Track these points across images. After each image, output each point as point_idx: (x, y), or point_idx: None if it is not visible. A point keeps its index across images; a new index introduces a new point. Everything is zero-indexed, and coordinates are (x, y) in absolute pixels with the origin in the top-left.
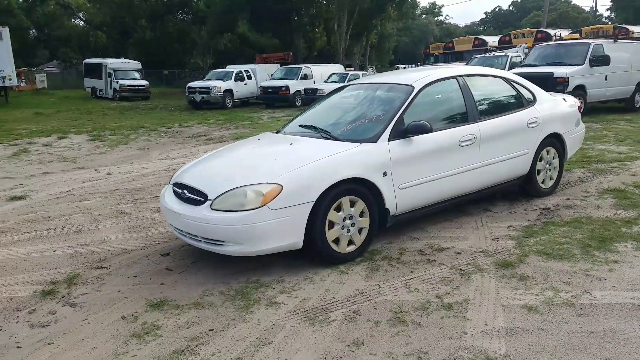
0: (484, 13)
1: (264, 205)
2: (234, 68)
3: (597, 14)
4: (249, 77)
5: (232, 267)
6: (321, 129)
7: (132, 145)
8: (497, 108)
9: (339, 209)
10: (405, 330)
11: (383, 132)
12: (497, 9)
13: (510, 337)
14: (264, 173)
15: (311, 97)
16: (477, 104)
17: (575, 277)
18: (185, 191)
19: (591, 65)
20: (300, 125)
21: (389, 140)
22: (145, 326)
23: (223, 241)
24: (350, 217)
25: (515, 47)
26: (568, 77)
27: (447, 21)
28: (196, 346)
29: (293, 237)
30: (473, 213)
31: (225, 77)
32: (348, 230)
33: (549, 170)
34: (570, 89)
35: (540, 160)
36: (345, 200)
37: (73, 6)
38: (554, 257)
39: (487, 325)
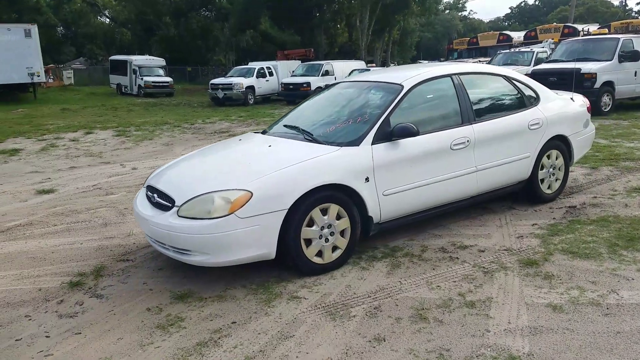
0: (509, 8)
1: (231, 213)
2: (255, 65)
3: (627, 8)
4: (271, 74)
5: (254, 262)
6: (304, 130)
7: (157, 141)
8: (495, 108)
9: (319, 215)
10: (427, 327)
11: (367, 134)
12: (522, 4)
13: (534, 336)
14: (234, 178)
15: None
16: (472, 104)
17: (601, 277)
18: (155, 195)
19: (620, 61)
20: (285, 126)
21: (373, 143)
22: (169, 318)
23: (189, 250)
24: (329, 226)
25: (541, 42)
26: (596, 73)
27: (471, 16)
28: (219, 338)
29: (264, 247)
30: (497, 211)
31: (247, 73)
32: (327, 240)
33: (553, 174)
34: (598, 85)
35: (542, 165)
36: (323, 208)
37: (99, 4)
38: (580, 255)
39: (511, 324)
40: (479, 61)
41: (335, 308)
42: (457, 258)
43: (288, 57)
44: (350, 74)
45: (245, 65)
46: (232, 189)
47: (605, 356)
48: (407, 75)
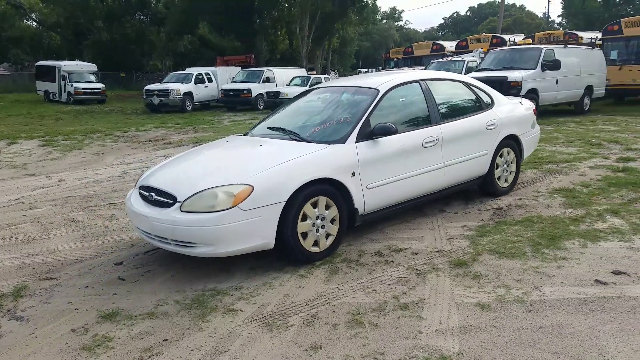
0: (443, 19)
1: (235, 206)
2: (193, 70)
3: (550, 20)
4: (210, 80)
5: (188, 275)
6: (290, 131)
7: (86, 151)
8: (458, 111)
9: (311, 208)
10: (363, 332)
11: (351, 133)
12: (455, 15)
13: (464, 335)
14: (234, 174)
15: (273, 101)
16: (438, 107)
17: (525, 275)
18: (153, 194)
19: (543, 70)
20: (269, 128)
21: (357, 141)
22: (96, 338)
23: (194, 243)
24: (322, 218)
25: (471, 52)
26: (521, 81)
27: (407, 26)
28: (149, 357)
29: (265, 237)
30: (429, 214)
31: (185, 79)
32: (318, 230)
33: (507, 170)
34: (523, 92)
35: (498, 161)
36: (315, 200)
37: (25, 6)
38: (506, 255)
39: (442, 324)
40: (414, 69)
41: (273, 318)
42: (392, 261)
43: (228, 63)
44: (291, 81)
45: (182, 70)
46: (235, 184)
47: (528, 351)
48: (381, 80)
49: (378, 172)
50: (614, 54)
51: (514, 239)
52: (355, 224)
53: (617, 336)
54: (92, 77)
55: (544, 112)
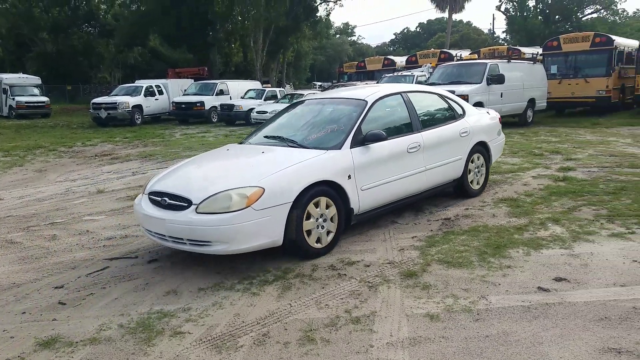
0: (394, 34)
1: (248, 206)
2: (143, 83)
3: (495, 36)
4: (160, 92)
5: (133, 298)
6: (287, 139)
7: (28, 167)
8: (435, 120)
9: (314, 207)
10: (315, 348)
11: (346, 140)
12: (405, 31)
13: (414, 347)
14: (245, 178)
15: (227, 113)
16: (419, 116)
17: (472, 284)
18: (166, 198)
19: (488, 84)
20: (265, 137)
21: (351, 147)
22: None
23: (210, 242)
24: (324, 217)
25: (420, 66)
26: (468, 95)
27: (360, 41)
28: None
29: (274, 235)
30: (382, 225)
31: (134, 92)
32: (320, 228)
33: (478, 173)
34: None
35: (470, 166)
36: (317, 201)
37: None
38: (454, 265)
39: (392, 337)
40: (367, 84)
41: (222, 340)
42: (345, 274)
43: (180, 76)
44: (245, 93)
45: (132, 83)
46: (247, 186)
47: None
48: (368, 92)
49: (370, 175)
50: (554, 69)
51: (461, 248)
52: (352, 223)
53: (558, 342)
54: (36, 90)
55: None
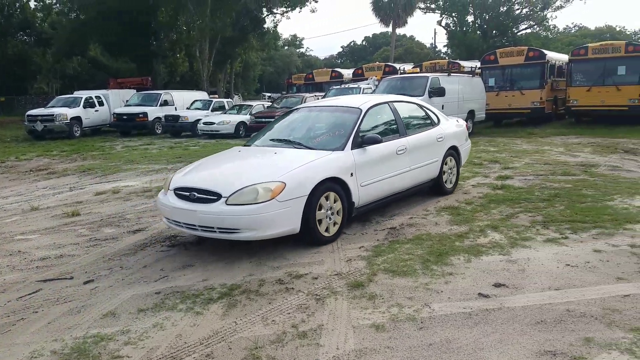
0: (341, 47)
1: (272, 198)
2: (82, 94)
3: (437, 50)
4: (101, 104)
5: (67, 321)
6: (294, 142)
7: None
8: (417, 126)
9: (324, 200)
10: None
11: (347, 142)
12: (352, 44)
13: (359, 359)
14: (267, 174)
15: (172, 125)
16: (404, 123)
17: (417, 292)
18: (195, 193)
19: (430, 96)
20: (272, 140)
21: (352, 149)
22: None
23: (239, 229)
24: (330, 209)
25: (367, 79)
26: None
27: (308, 53)
28: None
29: (293, 223)
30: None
31: (73, 103)
32: (329, 218)
33: (451, 174)
34: None
35: (444, 168)
36: (327, 195)
37: None
38: (399, 273)
39: (339, 349)
40: (315, 96)
41: None
42: (292, 288)
43: (122, 86)
44: (191, 104)
45: (71, 94)
46: (271, 181)
47: None
48: (360, 101)
49: (368, 173)
50: (491, 81)
51: (406, 257)
52: (352, 215)
53: (498, 347)
54: None
55: None
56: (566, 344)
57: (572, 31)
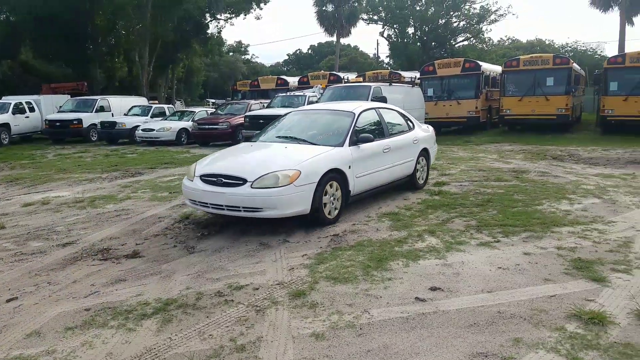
0: (287, 55)
1: (290, 183)
2: (11, 99)
3: (379, 60)
4: (32, 110)
5: None
6: (299, 139)
7: None
8: (397, 130)
9: (329, 187)
10: None
11: (345, 140)
12: (298, 52)
13: None
14: (284, 164)
15: (108, 132)
16: (388, 126)
17: (357, 298)
18: (221, 179)
19: None
20: (278, 137)
21: (349, 145)
22: None
23: (261, 209)
24: (333, 195)
25: (312, 87)
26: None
27: (254, 60)
28: None
29: (305, 205)
30: (273, 245)
31: (1, 109)
32: (332, 204)
33: (422, 172)
34: None
35: (417, 166)
36: (331, 183)
37: None
38: (340, 280)
39: None
40: (261, 103)
41: None
42: (232, 300)
43: (56, 91)
44: (129, 110)
45: None
46: (289, 169)
47: None
48: (353, 106)
49: (361, 167)
50: (430, 91)
51: (347, 263)
52: (348, 202)
53: (433, 350)
54: None
55: None
56: (497, 345)
57: (506, 43)
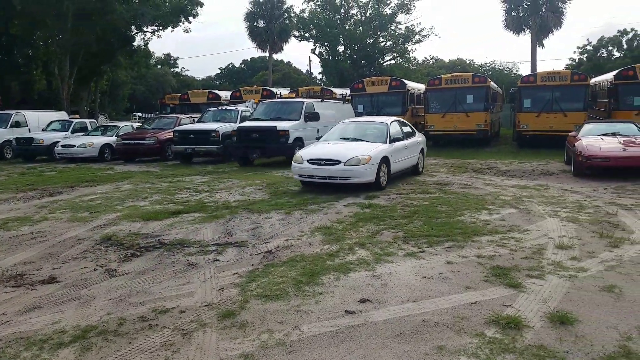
0: (219, 69)
1: (366, 163)
2: None
3: (312, 76)
4: None
5: None
6: (359, 139)
7: None
8: (408, 135)
9: (383, 167)
10: None
11: (386, 140)
12: (230, 66)
13: None
14: (361, 152)
15: (25, 148)
16: (404, 132)
17: (288, 315)
18: (324, 161)
19: (305, 121)
20: (341, 138)
21: (389, 143)
22: None
23: (350, 177)
24: (384, 172)
25: (245, 102)
26: (288, 131)
27: (184, 73)
28: None
29: (372, 176)
30: (202, 265)
31: None
32: (383, 177)
33: (421, 163)
34: (291, 140)
35: (419, 159)
36: (383, 164)
37: None
38: (272, 298)
39: None
40: (191, 117)
41: None
42: (157, 325)
43: None
44: (48, 125)
45: None
46: (366, 155)
47: None
48: (385, 119)
49: (395, 157)
50: (360, 108)
51: (279, 280)
52: (390, 177)
53: None
54: None
55: None
56: (422, 353)
57: (430, 63)
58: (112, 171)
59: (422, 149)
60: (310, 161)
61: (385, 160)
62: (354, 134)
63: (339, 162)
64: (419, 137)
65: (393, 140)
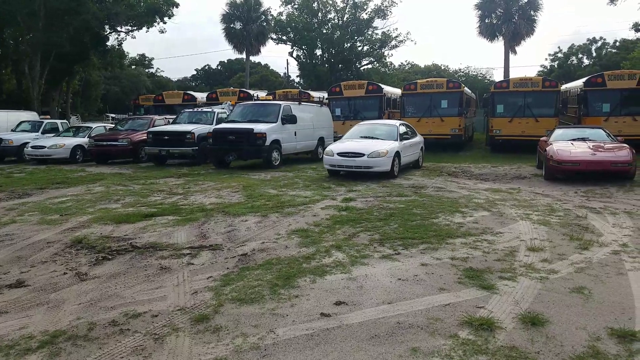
0: (195, 70)
1: (385, 155)
2: None
3: (290, 79)
4: None
5: None
6: (375, 137)
7: None
8: (412, 135)
9: (396, 159)
10: None
11: (397, 138)
12: (207, 67)
13: None
14: (380, 147)
15: None
16: (409, 133)
17: (262, 319)
18: (350, 153)
19: (283, 123)
20: (361, 137)
21: (399, 141)
22: None
23: (372, 167)
24: (397, 163)
25: (221, 104)
26: (266, 133)
27: (159, 74)
28: None
29: (388, 166)
30: (175, 269)
31: None
32: (397, 167)
33: (421, 159)
34: (268, 143)
35: (419, 155)
36: (396, 157)
37: None
38: (247, 301)
39: None
40: (166, 118)
41: None
42: (128, 329)
43: None
44: (18, 126)
45: None
46: (384, 149)
47: None
48: (394, 122)
49: (404, 152)
50: (338, 111)
51: (255, 283)
52: (400, 169)
53: None
54: None
55: (287, 161)
56: (396, 355)
57: (407, 68)
58: (83, 173)
59: (422, 147)
60: (340, 154)
61: (397, 154)
62: (371, 134)
63: (363, 154)
64: (419, 138)
65: (402, 138)
